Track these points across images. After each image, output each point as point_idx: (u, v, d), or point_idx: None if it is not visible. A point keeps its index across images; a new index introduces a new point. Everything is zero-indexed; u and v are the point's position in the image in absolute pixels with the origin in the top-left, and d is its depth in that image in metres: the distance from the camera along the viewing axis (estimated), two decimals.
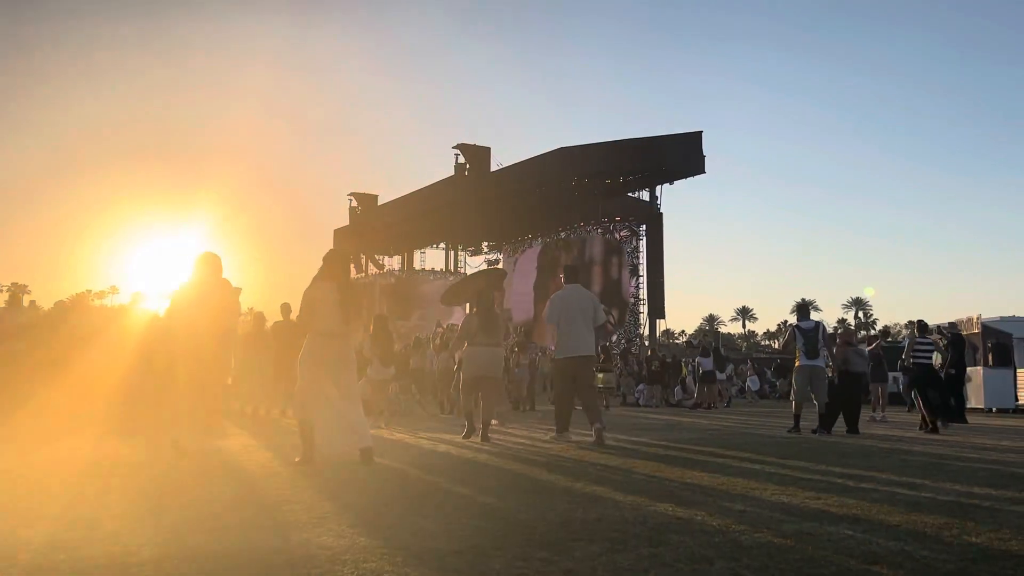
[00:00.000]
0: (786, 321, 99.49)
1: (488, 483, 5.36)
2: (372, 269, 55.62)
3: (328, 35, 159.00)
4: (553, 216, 41.28)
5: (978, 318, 20.89)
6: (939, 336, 17.18)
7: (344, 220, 57.07)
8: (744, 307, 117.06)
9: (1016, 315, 21.30)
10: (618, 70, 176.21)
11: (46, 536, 3.47)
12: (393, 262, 55.55)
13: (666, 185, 39.27)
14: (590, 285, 38.55)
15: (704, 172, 38.05)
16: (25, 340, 10.97)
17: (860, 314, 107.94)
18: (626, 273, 37.48)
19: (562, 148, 39.93)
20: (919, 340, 12.84)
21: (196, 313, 7.22)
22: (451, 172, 45.73)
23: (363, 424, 6.50)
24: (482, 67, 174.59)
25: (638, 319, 37.35)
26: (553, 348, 9.61)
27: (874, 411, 15.48)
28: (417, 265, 52.98)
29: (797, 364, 11.12)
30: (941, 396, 12.44)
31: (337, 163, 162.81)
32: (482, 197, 43.51)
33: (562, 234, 41.07)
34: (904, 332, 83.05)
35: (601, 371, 21.23)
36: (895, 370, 19.85)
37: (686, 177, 38.65)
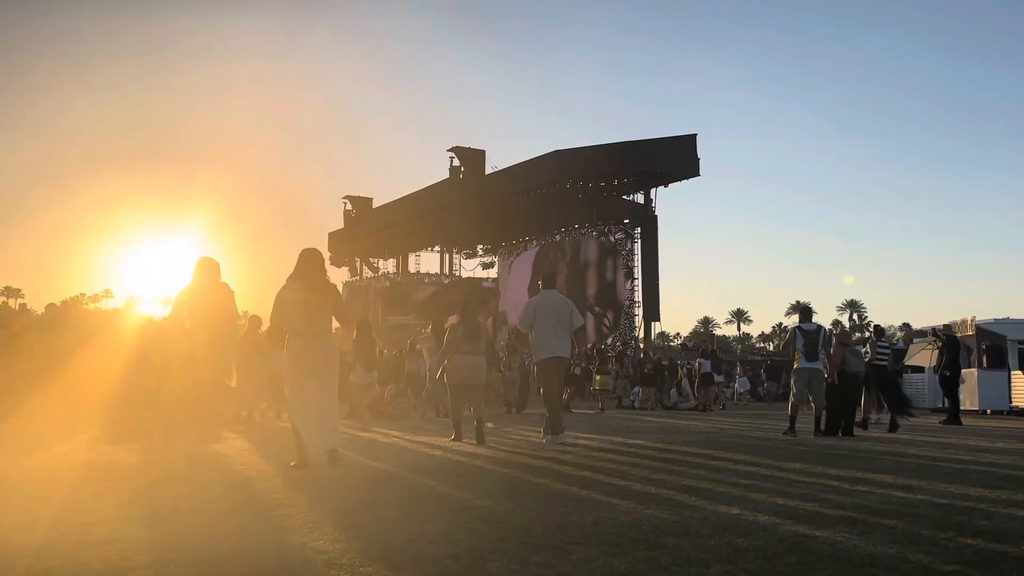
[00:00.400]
0: (781, 323, 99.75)
1: (483, 486, 5.36)
2: (367, 272, 55.58)
3: (323, 38, 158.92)
4: (548, 219, 41.28)
5: (972, 320, 20.93)
6: (934, 338, 17.23)
7: (339, 223, 57.04)
8: (739, 309, 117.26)
9: (1010, 317, 21.36)
10: (613, 73, 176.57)
11: (40, 542, 3.45)
12: (388, 265, 55.48)
13: (661, 188, 39.27)
14: (585, 288, 38.61)
15: (699, 175, 38.09)
16: (19, 344, 10.92)
17: (854, 316, 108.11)
18: (621, 276, 37.48)
19: (557, 151, 39.97)
20: (879, 344, 12.97)
21: (194, 316, 7.22)
22: (446, 175, 45.75)
23: (335, 426, 6.49)
24: (477, 70, 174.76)
25: (633, 322, 37.35)
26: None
27: (868, 413, 15.48)
28: (412, 268, 52.93)
29: (796, 366, 11.11)
30: (895, 394, 12.91)
31: (332, 166, 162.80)
32: (477, 200, 43.52)
33: (557, 237, 41.06)
34: (899, 335, 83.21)
35: (599, 373, 21.26)
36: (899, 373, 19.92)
37: (681, 180, 38.68)
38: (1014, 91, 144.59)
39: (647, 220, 39.19)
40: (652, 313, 38.58)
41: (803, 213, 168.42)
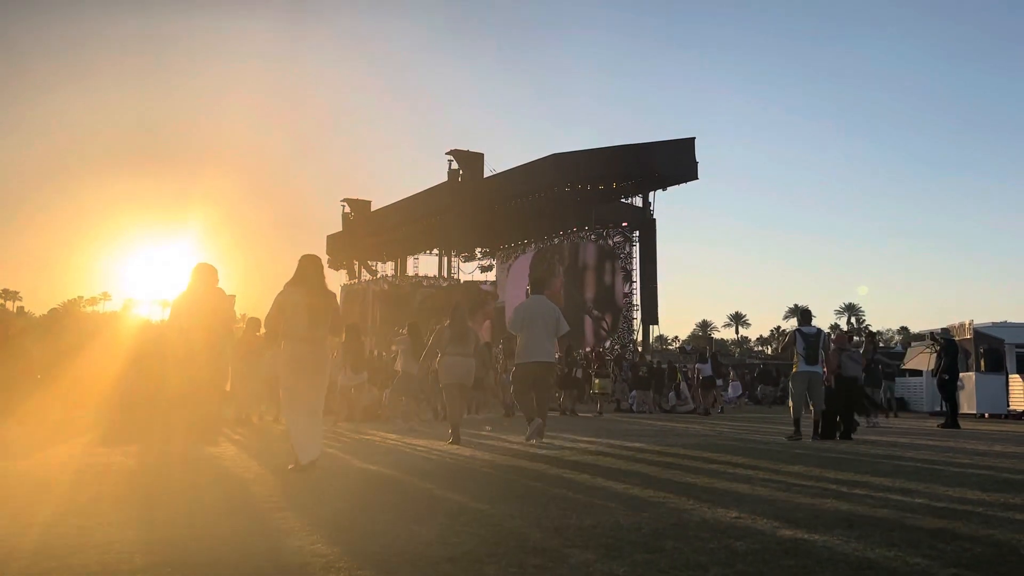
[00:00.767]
0: (779, 327, 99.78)
1: (481, 489, 5.35)
2: (365, 275, 55.59)
3: (322, 42, 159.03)
4: (546, 222, 41.34)
5: (970, 324, 20.94)
6: (932, 342, 17.24)
7: (337, 226, 57.08)
8: (737, 313, 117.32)
9: (1008, 321, 21.39)
10: (611, 76, 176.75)
11: (37, 544, 3.45)
12: (386, 268, 55.54)
13: (659, 191, 39.35)
14: (583, 291, 38.66)
15: (697, 178, 38.23)
16: (16, 346, 10.91)
17: (853, 320, 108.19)
18: (619, 279, 37.52)
19: (555, 154, 40.03)
20: (847, 351, 12.98)
21: (191, 321, 7.23)
22: (444, 178, 45.80)
23: (320, 434, 6.51)
24: (475, 74, 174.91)
25: (631, 325, 37.38)
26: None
27: (867, 416, 15.49)
28: (410, 271, 52.98)
29: (795, 370, 11.08)
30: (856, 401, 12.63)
31: (330, 169, 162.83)
32: (475, 203, 43.57)
33: (555, 240, 41.10)
34: (897, 338, 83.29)
35: (597, 377, 21.26)
36: (890, 376, 19.96)
37: (679, 183, 38.78)
38: (1014, 95, 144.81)
39: (645, 223, 39.27)
40: (650, 316, 38.65)
41: (801, 217, 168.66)
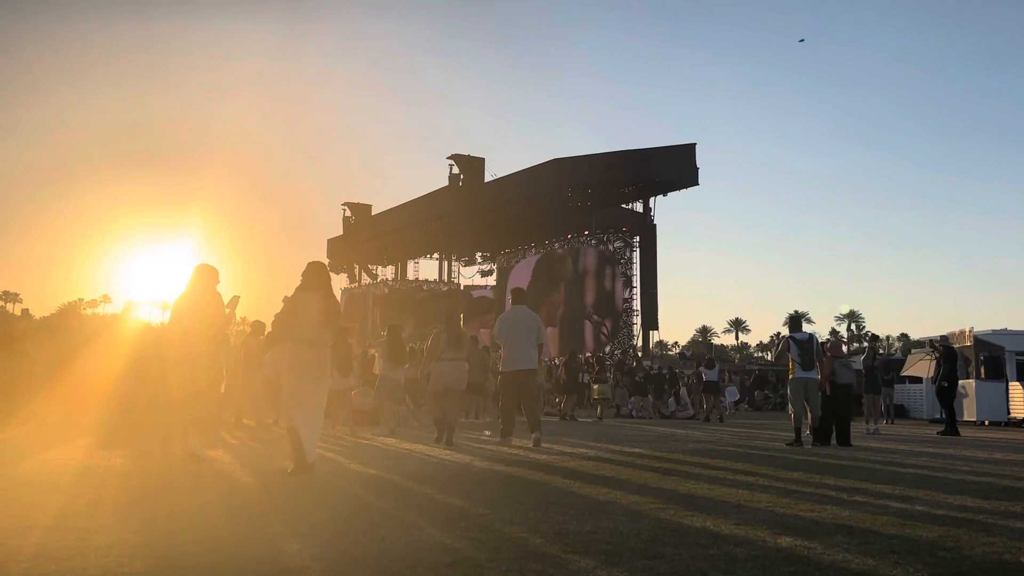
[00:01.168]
0: (779, 333, 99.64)
1: (482, 494, 5.34)
2: (365, 279, 55.61)
3: (323, 45, 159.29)
4: (547, 227, 41.36)
5: (970, 331, 20.95)
6: (931, 349, 17.24)
7: (338, 229, 57.10)
8: (737, 319, 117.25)
9: (1008, 328, 21.39)
10: (613, 82, 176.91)
11: (37, 546, 3.44)
12: (387, 272, 55.57)
13: (660, 196, 39.36)
14: (583, 296, 38.68)
15: (698, 184, 38.19)
16: (18, 348, 10.92)
17: (852, 326, 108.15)
18: (619, 284, 37.51)
19: (556, 159, 40.06)
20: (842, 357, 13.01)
21: (189, 323, 7.25)
22: (445, 182, 45.83)
23: (315, 439, 6.55)
24: (477, 78, 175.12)
25: (631, 330, 37.34)
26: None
27: (867, 423, 15.50)
28: (411, 275, 52.98)
29: (792, 376, 11.09)
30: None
31: (331, 172, 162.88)
32: (476, 208, 43.59)
33: (556, 245, 41.11)
34: (897, 345, 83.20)
35: (596, 382, 21.26)
36: (889, 383, 19.93)
37: (680, 189, 38.77)
38: (1016, 101, 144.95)
39: (646, 229, 39.25)
40: (650, 322, 38.60)
41: (802, 223, 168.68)
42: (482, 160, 45.71)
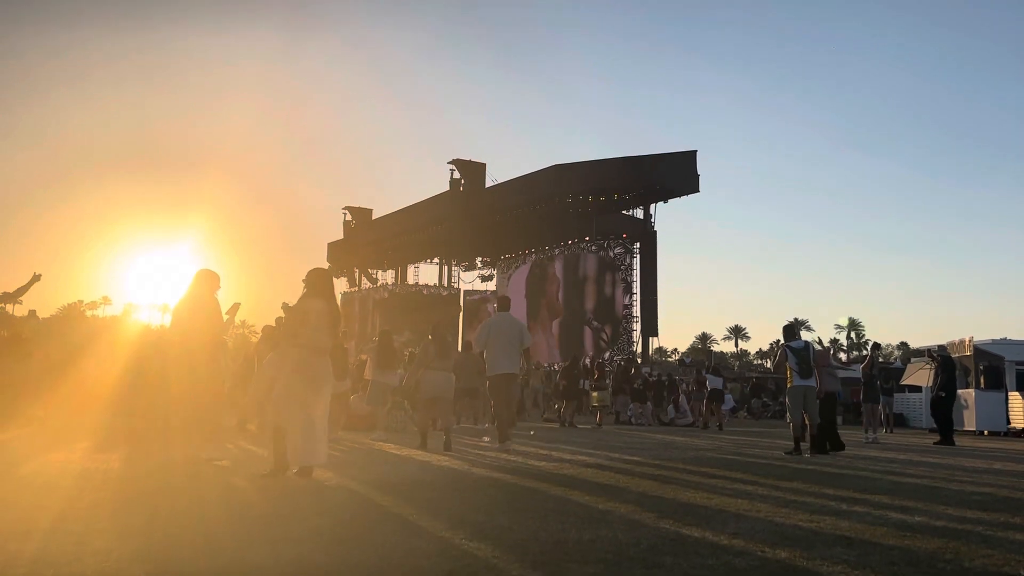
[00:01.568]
0: (778, 340, 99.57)
1: (480, 501, 5.34)
2: (365, 283, 55.64)
3: (323, 49, 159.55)
4: (547, 232, 41.42)
5: (970, 341, 20.94)
6: (929, 358, 17.25)
7: (338, 233, 57.18)
8: (737, 326, 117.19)
9: (1008, 338, 21.39)
10: (614, 88, 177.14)
11: (36, 551, 3.44)
12: (387, 276, 55.62)
13: (660, 203, 39.43)
14: (583, 302, 38.69)
15: (698, 191, 38.29)
16: (20, 350, 10.92)
17: (853, 334, 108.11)
18: (620, 290, 37.55)
19: (557, 165, 40.13)
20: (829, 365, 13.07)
21: (189, 326, 7.28)
22: (446, 187, 45.90)
23: (321, 442, 6.58)
24: (478, 83, 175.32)
25: (631, 336, 37.37)
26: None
27: (866, 432, 15.49)
28: (411, 280, 53.02)
29: (791, 385, 11.09)
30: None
31: (332, 176, 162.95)
32: (476, 213, 43.65)
33: (556, 250, 41.16)
34: (896, 353, 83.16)
35: (596, 389, 21.24)
36: (889, 392, 19.93)
37: (680, 196, 38.85)
38: (1017, 109, 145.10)
39: (646, 235, 39.33)
40: (650, 328, 38.65)
41: (802, 231, 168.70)
42: (483, 165, 45.84)
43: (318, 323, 6.54)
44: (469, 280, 50.04)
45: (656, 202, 39.42)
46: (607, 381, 22.56)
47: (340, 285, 56.37)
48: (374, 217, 55.48)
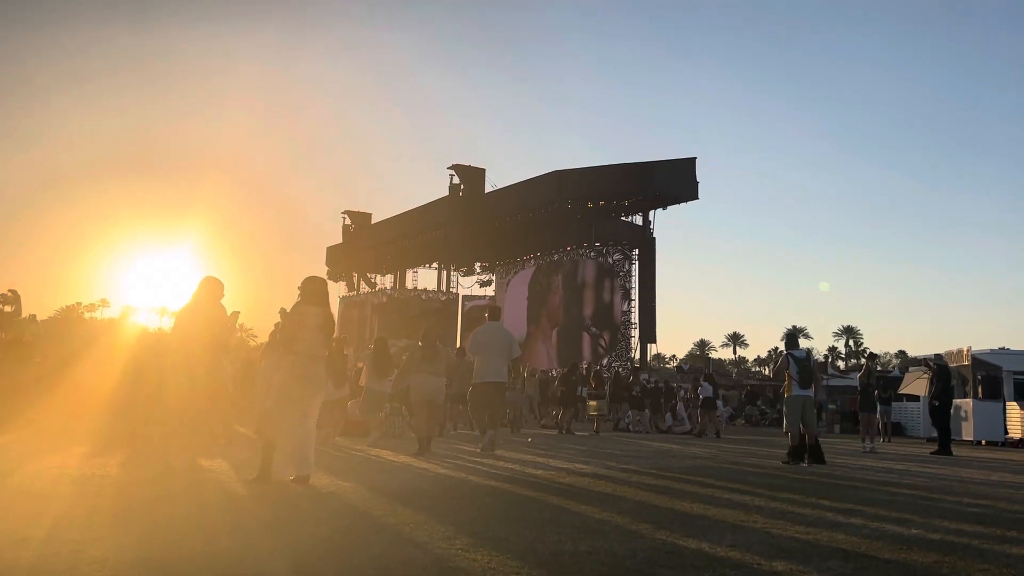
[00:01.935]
0: (777, 348, 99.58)
1: (477, 511, 5.34)
2: (364, 287, 55.61)
3: (323, 53, 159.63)
4: (546, 238, 41.43)
5: (968, 350, 20.97)
6: (925, 367, 17.26)
7: (337, 237, 57.18)
8: (735, 333, 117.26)
9: (1006, 347, 21.42)
10: (614, 94, 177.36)
11: (32, 560, 3.44)
12: (385, 281, 55.54)
13: (659, 210, 39.44)
14: (582, 308, 38.70)
15: (697, 198, 38.30)
16: (20, 353, 10.93)
17: (851, 342, 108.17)
18: (618, 297, 37.56)
19: (557, 171, 40.19)
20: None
21: (192, 330, 7.32)
22: (445, 192, 45.93)
23: (311, 450, 6.62)
24: (478, 89, 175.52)
25: (629, 343, 37.36)
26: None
27: (863, 441, 15.49)
28: (409, 284, 52.97)
29: (790, 394, 11.04)
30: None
31: (331, 181, 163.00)
32: (476, 218, 43.67)
33: (555, 256, 41.17)
34: (894, 362, 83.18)
35: (593, 398, 21.24)
36: (887, 401, 19.95)
37: (679, 202, 38.86)
38: (1016, 119, 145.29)
39: (645, 242, 39.32)
40: (648, 335, 38.61)
41: (801, 238, 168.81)
42: (482, 171, 45.86)
43: (311, 331, 6.57)
44: (468, 285, 50.05)
45: (655, 209, 39.43)
46: (604, 390, 22.54)
47: (339, 289, 56.37)
48: (373, 221, 55.50)
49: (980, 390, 20.37)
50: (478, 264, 49.24)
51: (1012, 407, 19.85)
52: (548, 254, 41.69)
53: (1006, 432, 19.79)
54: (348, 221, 56.27)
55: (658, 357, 67.30)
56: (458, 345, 24.09)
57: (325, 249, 58.55)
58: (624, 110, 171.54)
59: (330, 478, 7.05)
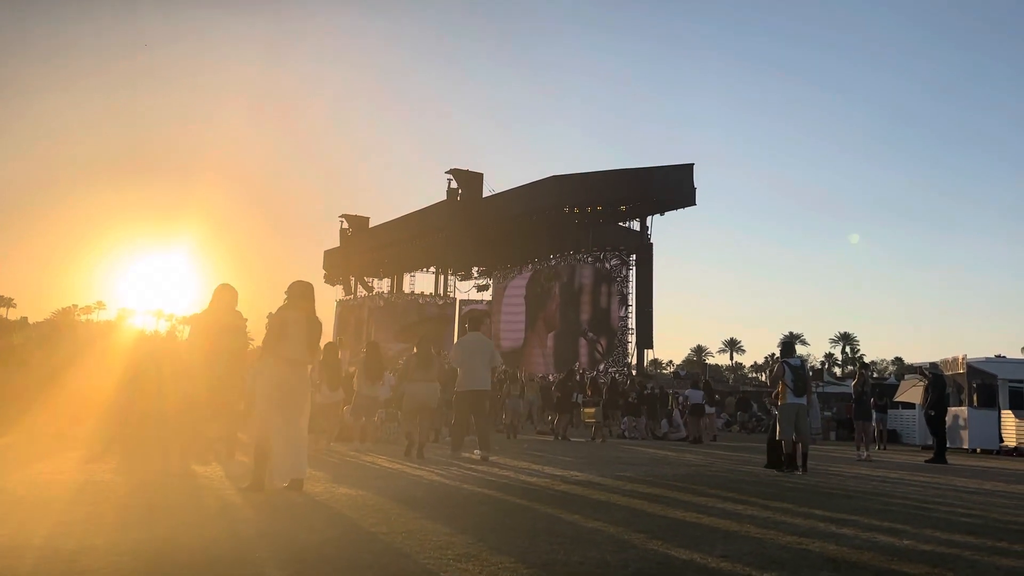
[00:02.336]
0: (774, 354, 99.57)
1: (470, 520, 5.36)
2: (361, 291, 55.58)
3: (323, 56, 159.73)
4: (544, 243, 41.48)
5: (964, 359, 20.99)
6: (920, 375, 17.29)
7: (335, 241, 57.16)
8: (732, 339, 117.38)
9: (1002, 356, 21.45)
10: (613, 100, 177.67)
11: (29, 569, 3.45)
12: (383, 285, 55.54)
13: (657, 216, 39.51)
14: (579, 313, 38.72)
15: (695, 204, 38.38)
16: (19, 359, 10.92)
17: (847, 349, 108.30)
18: (615, 302, 37.60)
19: (555, 176, 40.23)
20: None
21: (217, 342, 7.35)
22: (443, 197, 45.93)
23: (303, 454, 6.63)
24: (477, 94, 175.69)
25: (626, 348, 37.39)
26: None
27: (858, 449, 15.50)
28: (407, 288, 52.98)
29: (783, 402, 11.06)
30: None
31: (329, 184, 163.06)
32: (473, 222, 43.69)
33: (552, 261, 41.20)
34: (891, 369, 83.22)
35: (587, 405, 21.22)
36: (882, 408, 19.98)
37: (677, 208, 38.95)
38: (1015, 125, 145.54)
39: (642, 247, 39.39)
40: (645, 340, 38.67)
41: (798, 245, 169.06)
42: (480, 175, 45.91)
43: (295, 336, 6.54)
44: (465, 290, 50.06)
45: (653, 214, 39.52)
46: (600, 397, 22.52)
47: (336, 293, 56.38)
48: (371, 225, 55.50)
49: (975, 398, 20.40)
50: (476, 268, 49.25)
51: (1007, 415, 19.88)
52: (546, 259, 41.72)
53: (1001, 440, 19.82)
54: (346, 225, 56.27)
55: (655, 363, 67.32)
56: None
57: (322, 253, 58.58)
58: (623, 115, 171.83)
59: (324, 485, 7.06)
